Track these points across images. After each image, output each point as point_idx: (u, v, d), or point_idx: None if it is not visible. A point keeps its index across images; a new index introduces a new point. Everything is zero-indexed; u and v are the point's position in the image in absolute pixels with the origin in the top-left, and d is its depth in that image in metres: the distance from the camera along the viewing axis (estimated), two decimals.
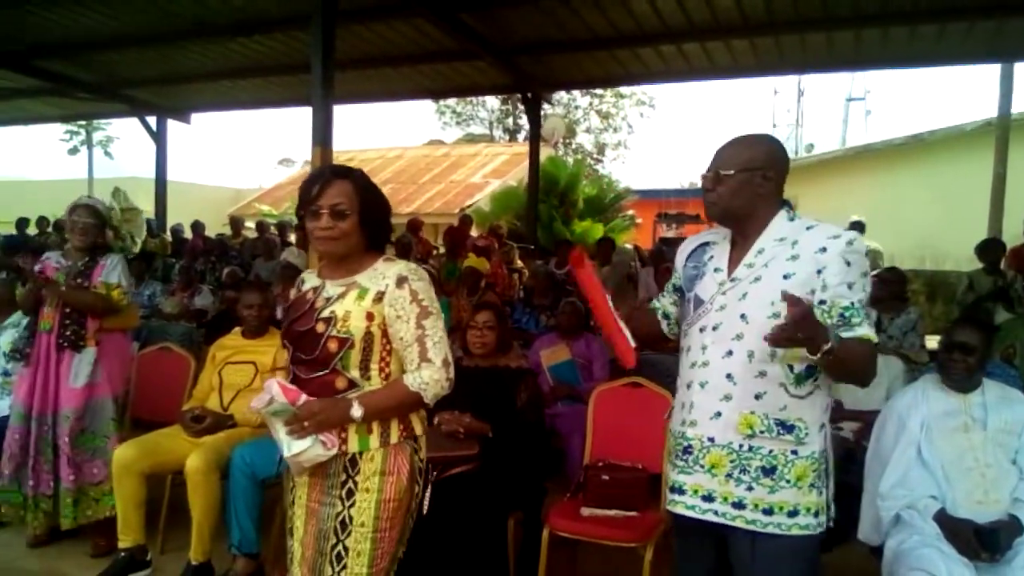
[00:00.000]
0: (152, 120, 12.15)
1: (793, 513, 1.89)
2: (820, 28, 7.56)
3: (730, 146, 2.01)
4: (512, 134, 28.87)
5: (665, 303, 2.28)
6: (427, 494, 2.91)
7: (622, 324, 2.10)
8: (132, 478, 3.37)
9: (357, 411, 1.86)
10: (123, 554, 3.39)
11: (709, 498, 1.94)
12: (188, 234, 11.35)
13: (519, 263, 9.42)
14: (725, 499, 1.92)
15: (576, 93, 26.71)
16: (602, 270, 8.11)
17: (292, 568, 2.03)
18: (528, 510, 3.12)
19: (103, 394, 3.63)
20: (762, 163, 1.96)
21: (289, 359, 2.01)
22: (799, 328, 1.69)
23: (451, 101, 28.67)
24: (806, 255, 1.88)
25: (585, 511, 3.01)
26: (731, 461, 1.91)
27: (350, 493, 1.91)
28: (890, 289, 5.28)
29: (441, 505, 2.91)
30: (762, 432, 1.89)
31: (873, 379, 2.00)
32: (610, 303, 2.13)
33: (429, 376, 1.90)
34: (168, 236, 11.77)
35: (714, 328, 1.97)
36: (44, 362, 3.56)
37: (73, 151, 34.55)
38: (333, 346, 1.91)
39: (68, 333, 3.55)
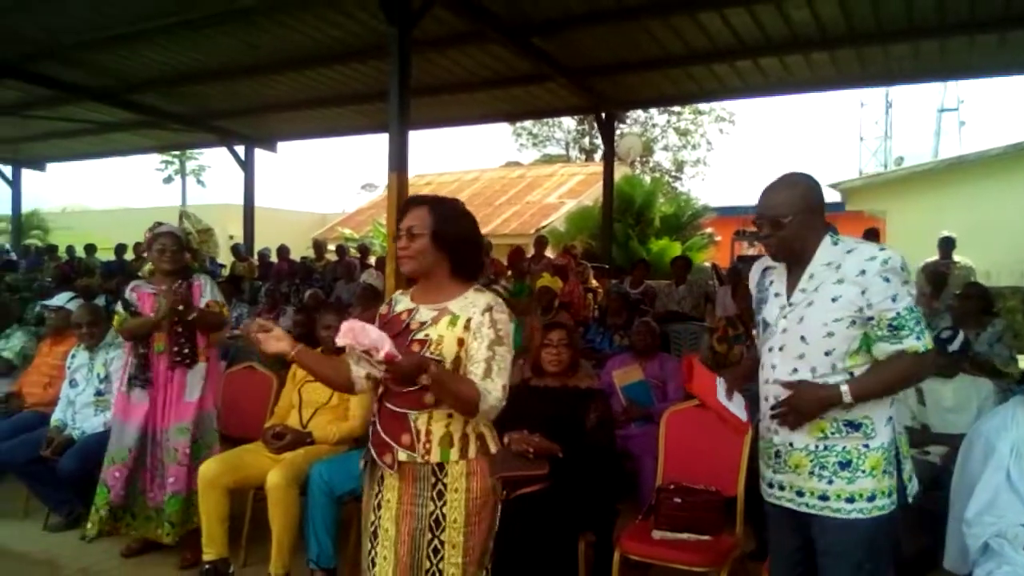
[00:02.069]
0: (240, 149, 12.71)
1: (872, 498, 2.11)
2: (904, 39, 7.33)
3: (777, 191, 2.21)
4: (588, 154, 28.88)
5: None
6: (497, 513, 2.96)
7: (734, 408, 2.35)
8: (216, 492, 3.51)
9: (426, 379, 1.95)
10: (207, 567, 3.52)
11: (800, 493, 2.19)
12: (274, 258, 11.76)
13: (594, 282, 9.39)
14: (812, 493, 2.17)
15: (653, 111, 26.54)
16: (677, 289, 8.03)
17: (375, 569, 2.15)
18: (599, 532, 3.10)
19: (210, 406, 3.83)
20: (812, 201, 2.18)
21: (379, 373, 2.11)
22: (800, 410, 2.12)
23: (527, 123, 28.94)
24: (849, 278, 2.09)
25: (656, 534, 2.98)
26: (811, 460, 2.17)
27: (440, 494, 2.09)
28: (974, 304, 5.26)
29: (511, 524, 2.92)
30: (833, 433, 2.14)
31: (921, 381, 2.24)
32: (721, 394, 2.36)
33: (493, 388, 2.02)
34: (255, 260, 12.24)
35: (780, 349, 2.22)
36: (159, 381, 3.76)
37: (168, 180, 36.37)
38: None
39: (185, 351, 3.74)
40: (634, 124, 27.96)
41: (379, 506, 2.16)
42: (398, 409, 2.09)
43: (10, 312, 5.64)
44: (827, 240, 2.17)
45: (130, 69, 9.06)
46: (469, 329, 2.07)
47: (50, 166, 15.35)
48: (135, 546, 3.87)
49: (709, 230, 16.16)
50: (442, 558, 2.08)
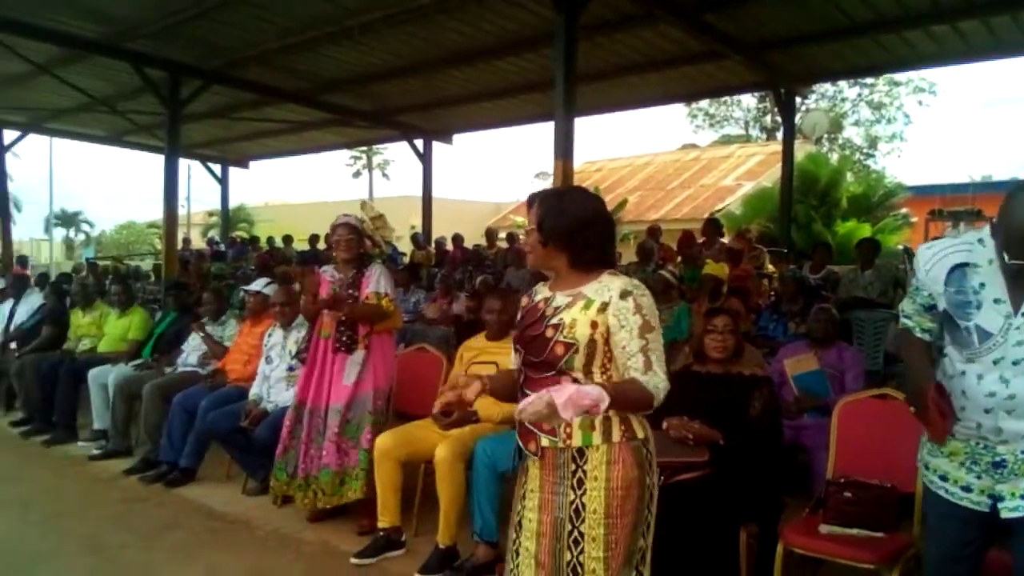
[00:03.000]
0: (419, 143, 13.31)
1: None
2: None
3: None
4: (770, 133, 27.58)
5: (922, 321, 2.32)
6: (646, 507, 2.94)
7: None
8: (390, 464, 3.75)
9: (607, 404, 1.85)
10: (382, 534, 3.77)
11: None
12: (449, 246, 12.25)
13: (770, 267, 8.98)
14: None
15: (843, 84, 24.91)
16: (863, 275, 7.50)
17: (517, 560, 2.13)
18: (763, 523, 2.99)
19: (366, 390, 4.06)
20: None
21: (521, 361, 2.15)
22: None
23: (703, 103, 28.08)
24: None
25: (824, 528, 2.83)
26: None
27: (580, 483, 2.02)
28: None
29: (669, 510, 2.88)
30: None
31: None
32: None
33: (657, 380, 1.98)
34: (432, 248, 12.80)
35: (1015, 363, 2.03)
36: (321, 363, 4.08)
37: (356, 174, 38.73)
38: (560, 350, 2.03)
39: (344, 338, 4.04)
40: (820, 99, 26.38)
41: (524, 496, 2.14)
42: None
43: (225, 300, 6.29)
44: None
45: (322, 71, 9.75)
46: (605, 313, 2.02)
47: (253, 164, 16.83)
48: (318, 512, 4.20)
49: (904, 211, 14.89)
50: (582, 550, 2.01)
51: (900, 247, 11.47)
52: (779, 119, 14.04)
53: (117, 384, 5.67)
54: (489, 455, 3.52)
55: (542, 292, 2.20)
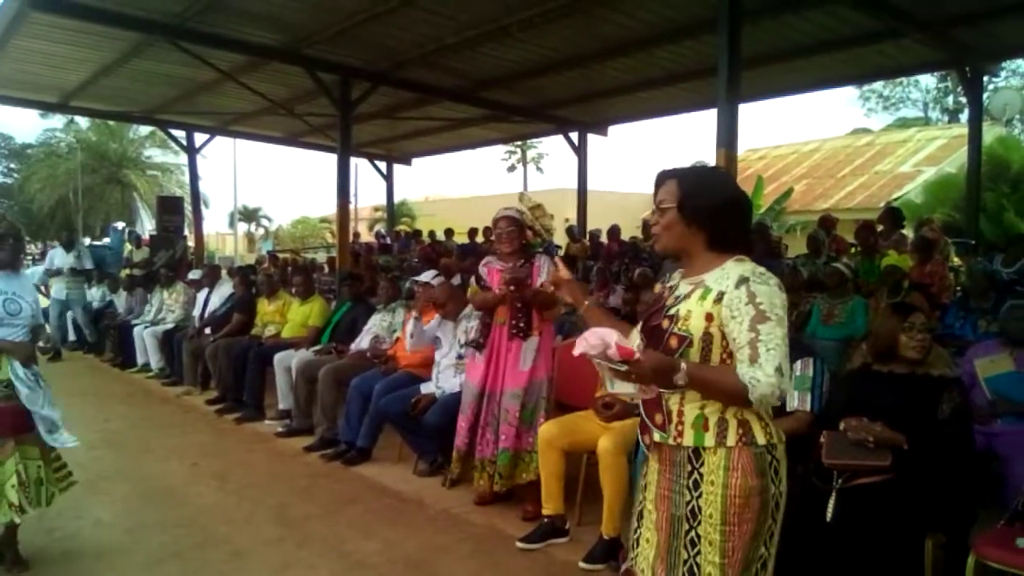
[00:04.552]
0: (574, 135, 13.36)
1: None
2: None
3: None
4: (953, 114, 25.51)
5: None
6: (831, 501, 2.83)
7: None
8: (553, 452, 3.83)
9: (681, 379, 1.81)
10: (546, 520, 3.86)
11: None
12: (604, 239, 12.22)
13: (955, 260, 8.31)
14: None
15: None
16: None
17: (637, 550, 2.11)
18: (951, 533, 2.80)
19: (541, 377, 4.18)
20: None
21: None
22: None
23: (877, 85, 26.36)
24: None
25: (1022, 542, 2.61)
26: None
27: (696, 484, 1.94)
28: None
29: (849, 514, 2.79)
30: None
31: None
32: None
33: (762, 375, 1.82)
34: (587, 241, 12.82)
35: None
36: (497, 350, 4.22)
37: (511, 169, 39.39)
38: (673, 343, 1.94)
39: (521, 325, 4.16)
40: (1011, 76, 24.01)
41: (644, 487, 2.11)
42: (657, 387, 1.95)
43: (398, 290, 6.65)
44: None
45: (480, 69, 9.99)
46: (721, 303, 1.90)
47: (415, 160, 17.51)
48: (485, 496, 4.35)
49: None
50: (699, 552, 1.94)
51: None
52: (963, 100, 12.93)
53: (299, 368, 6.14)
54: None
55: (674, 279, 2.12)
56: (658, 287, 2.20)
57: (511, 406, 4.12)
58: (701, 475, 1.93)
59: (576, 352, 1.75)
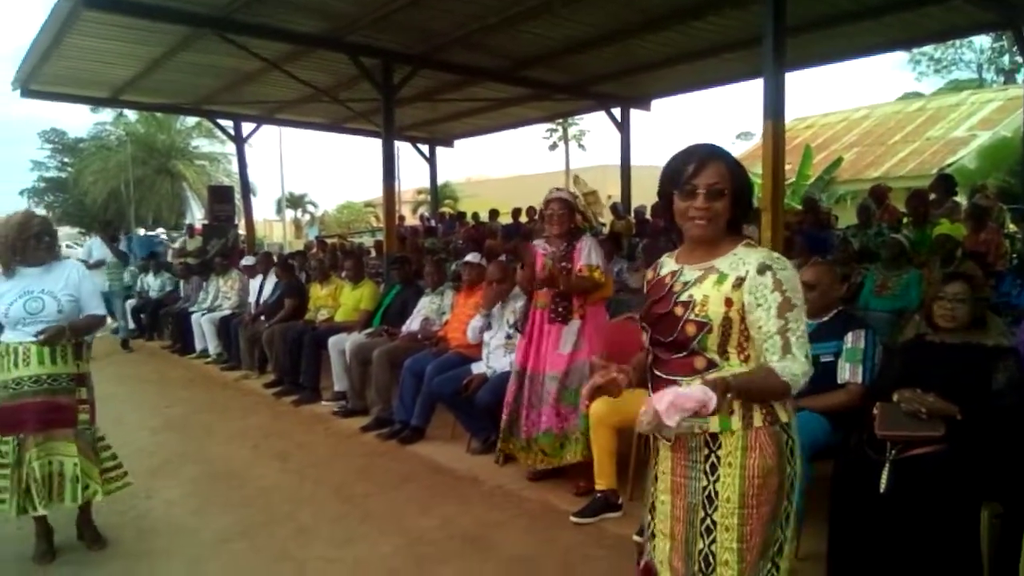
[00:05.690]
0: (616, 111, 13.25)
1: None
2: None
3: None
4: (1008, 75, 24.57)
5: None
6: (884, 472, 2.84)
7: None
8: (605, 430, 3.89)
9: (734, 394, 1.76)
10: (599, 495, 3.93)
11: None
12: (650, 215, 12.14)
13: (1011, 227, 8.09)
14: None
15: None
16: None
17: (653, 542, 2.07)
18: (1007, 504, 2.78)
19: (583, 358, 4.20)
20: None
21: (648, 341, 2.06)
22: None
23: (926, 48, 25.52)
24: None
25: None
26: None
27: (713, 468, 1.91)
28: None
29: (903, 485, 2.79)
30: None
31: None
32: None
33: (797, 367, 1.82)
34: (632, 218, 12.75)
35: None
36: (538, 333, 4.29)
37: (552, 147, 39.22)
38: (691, 329, 1.91)
39: (560, 309, 4.22)
40: None
41: (656, 478, 2.06)
42: (670, 376, 1.96)
43: (444, 272, 6.74)
44: None
45: (521, 48, 9.97)
46: (741, 288, 1.87)
47: (457, 142, 17.57)
48: (537, 472, 4.43)
49: None
50: (714, 539, 1.90)
51: None
52: (1019, 60, 12.47)
53: (352, 350, 6.29)
54: None
55: (668, 265, 2.06)
56: (649, 273, 2.16)
57: (551, 388, 4.20)
58: (719, 457, 1.90)
59: (671, 428, 1.68)
